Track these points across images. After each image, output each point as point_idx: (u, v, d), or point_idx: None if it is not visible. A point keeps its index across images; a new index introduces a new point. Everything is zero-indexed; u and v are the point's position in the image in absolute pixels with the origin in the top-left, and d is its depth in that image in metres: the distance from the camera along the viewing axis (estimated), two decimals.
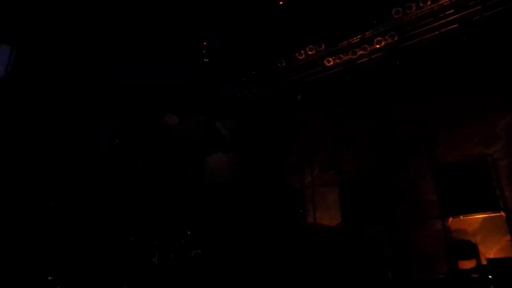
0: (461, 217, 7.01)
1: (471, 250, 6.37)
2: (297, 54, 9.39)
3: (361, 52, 8.83)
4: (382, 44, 8.51)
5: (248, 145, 10.96)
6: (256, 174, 10.62)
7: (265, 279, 3.28)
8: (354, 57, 9.00)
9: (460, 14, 7.82)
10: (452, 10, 7.90)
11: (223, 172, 10.86)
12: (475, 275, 5.91)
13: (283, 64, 9.76)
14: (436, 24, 8.22)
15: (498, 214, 6.60)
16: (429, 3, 7.80)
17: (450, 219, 7.08)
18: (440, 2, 7.76)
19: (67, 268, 6.73)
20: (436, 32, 8.40)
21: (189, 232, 8.29)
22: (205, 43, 9.00)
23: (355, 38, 8.82)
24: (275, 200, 9.11)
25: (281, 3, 8.19)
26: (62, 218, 7.49)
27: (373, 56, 9.15)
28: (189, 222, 8.90)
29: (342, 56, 9.08)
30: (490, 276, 5.66)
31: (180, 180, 10.35)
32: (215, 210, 9.70)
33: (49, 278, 6.55)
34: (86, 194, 8.25)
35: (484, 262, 6.10)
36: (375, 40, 8.51)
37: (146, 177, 9.68)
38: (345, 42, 8.95)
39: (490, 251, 6.66)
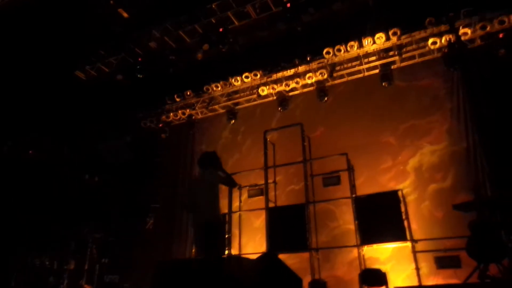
0: (374, 246, 7.56)
1: (381, 278, 6.82)
2: (233, 80, 9.54)
3: (294, 85, 9.31)
4: (313, 79, 9.08)
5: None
6: None
7: None
8: (287, 88, 9.44)
9: (381, 62, 8.73)
10: (375, 57, 8.80)
11: None
12: None
13: (219, 87, 9.84)
14: (360, 67, 9.08)
15: (405, 244, 7.25)
16: (355, 48, 8.56)
17: (365, 247, 7.57)
18: (365, 49, 8.57)
19: None
20: (360, 75, 9.27)
21: (105, 260, 7.69)
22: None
23: (289, 70, 9.28)
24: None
25: (221, 30, 8.35)
26: None
27: (304, 90, 9.74)
28: (108, 248, 8.28)
29: (275, 86, 9.44)
30: None
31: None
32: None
33: None
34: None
35: None
36: (307, 75, 9.05)
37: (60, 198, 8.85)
38: (279, 74, 9.36)
39: (399, 278, 7.28)
